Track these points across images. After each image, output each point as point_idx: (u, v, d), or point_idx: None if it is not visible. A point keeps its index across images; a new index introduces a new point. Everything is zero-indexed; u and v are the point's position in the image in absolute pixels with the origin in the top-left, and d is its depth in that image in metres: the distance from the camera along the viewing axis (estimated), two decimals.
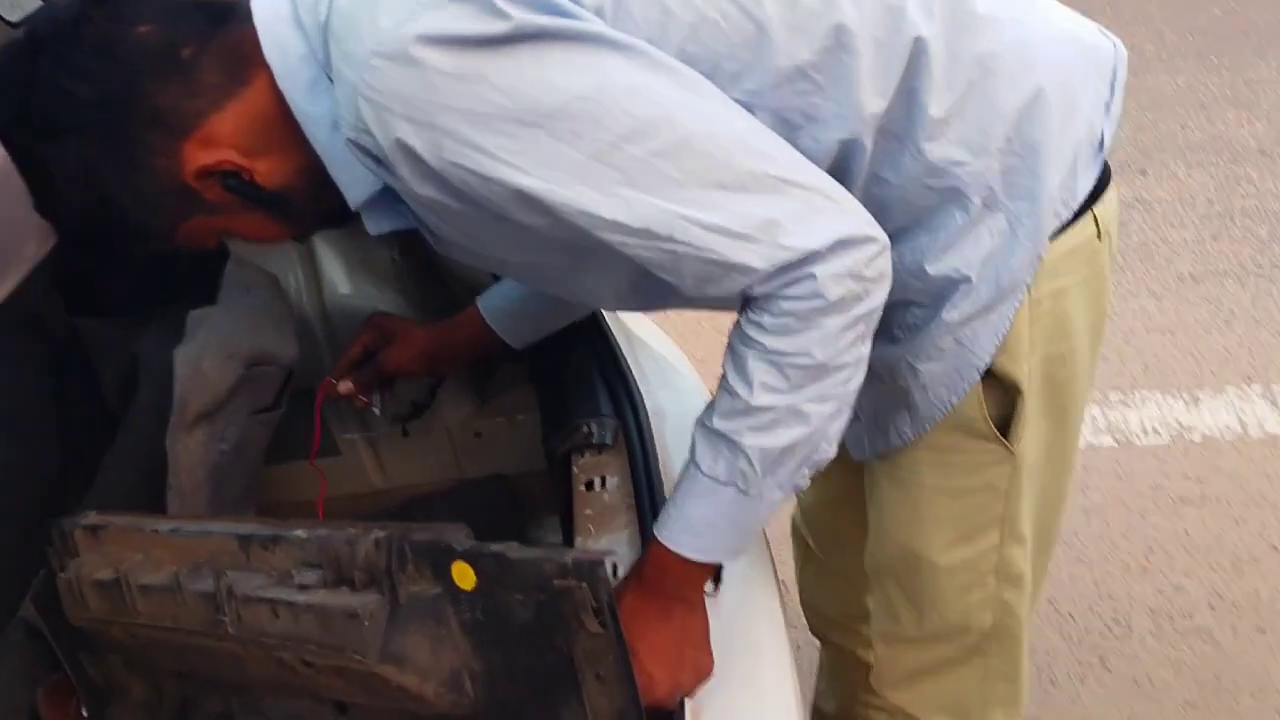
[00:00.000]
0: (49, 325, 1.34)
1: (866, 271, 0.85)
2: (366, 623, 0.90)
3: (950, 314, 1.00)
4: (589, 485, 1.24)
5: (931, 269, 0.99)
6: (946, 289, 1.00)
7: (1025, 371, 1.05)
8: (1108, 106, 1.03)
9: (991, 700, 1.25)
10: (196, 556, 1.07)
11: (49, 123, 0.93)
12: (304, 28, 0.92)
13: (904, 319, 1.03)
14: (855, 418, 1.13)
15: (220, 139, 0.94)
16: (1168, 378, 2.66)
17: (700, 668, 0.97)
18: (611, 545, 1.15)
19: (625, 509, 1.19)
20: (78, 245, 1.18)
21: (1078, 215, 1.02)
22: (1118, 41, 1.07)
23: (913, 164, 0.96)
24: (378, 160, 0.88)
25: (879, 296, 0.88)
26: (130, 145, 0.93)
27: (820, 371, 0.86)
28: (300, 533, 1.00)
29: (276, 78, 0.93)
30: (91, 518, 1.19)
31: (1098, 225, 1.05)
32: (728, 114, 0.87)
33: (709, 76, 0.89)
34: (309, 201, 0.99)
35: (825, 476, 1.41)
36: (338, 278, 1.47)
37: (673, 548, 0.94)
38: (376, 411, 1.34)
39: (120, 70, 0.91)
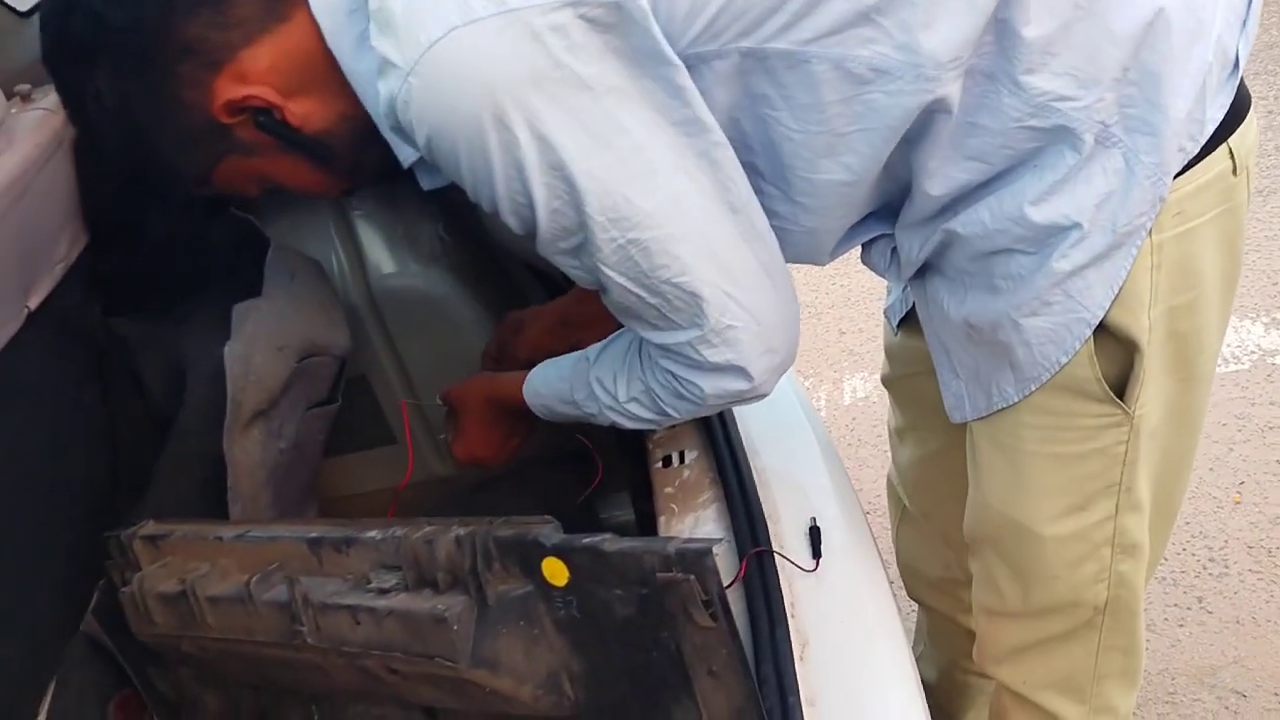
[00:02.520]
0: (88, 329, 1.29)
1: (744, 397, 0.95)
2: (455, 627, 0.84)
3: (1060, 263, 0.90)
4: (666, 461, 1.18)
5: (1035, 215, 0.90)
6: (1054, 236, 0.90)
7: (1145, 325, 0.94)
8: (1244, 22, 0.91)
9: (1106, 674, 1.15)
10: (265, 563, 1.01)
11: (83, 47, 0.91)
12: None
13: (1007, 268, 0.94)
14: (954, 376, 1.05)
15: (253, 75, 0.89)
16: (1243, 300, 2.53)
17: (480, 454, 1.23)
18: (698, 524, 1.08)
19: (709, 484, 1.12)
20: (117, 199, 1.17)
21: (1208, 148, 0.91)
22: None
23: (1012, 104, 0.87)
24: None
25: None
26: (160, 75, 0.89)
27: (675, 418, 1.00)
28: (374, 533, 0.94)
29: (324, 34, 0.88)
30: (150, 527, 1.14)
31: (1233, 158, 0.93)
32: (719, 214, 0.87)
33: (757, 26, 0.83)
34: (354, 151, 0.93)
35: (921, 431, 1.35)
36: (381, 257, 1.39)
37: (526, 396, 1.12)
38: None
39: None
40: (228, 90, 0.89)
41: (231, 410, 1.13)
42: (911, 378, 1.29)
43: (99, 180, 1.19)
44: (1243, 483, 2.10)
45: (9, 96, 1.16)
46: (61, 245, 1.20)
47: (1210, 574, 1.95)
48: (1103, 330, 0.94)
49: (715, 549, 0.77)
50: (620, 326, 1.01)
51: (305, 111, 0.91)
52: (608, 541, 0.81)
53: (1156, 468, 1.04)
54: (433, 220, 1.38)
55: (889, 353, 1.32)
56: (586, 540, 0.82)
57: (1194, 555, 1.99)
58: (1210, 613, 1.88)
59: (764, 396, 0.97)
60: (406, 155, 0.92)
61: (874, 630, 0.97)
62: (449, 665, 0.86)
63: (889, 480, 1.47)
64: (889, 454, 1.47)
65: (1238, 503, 2.07)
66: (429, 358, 1.42)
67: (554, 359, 1.10)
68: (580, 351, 1.06)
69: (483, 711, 0.93)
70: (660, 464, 1.17)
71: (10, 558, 1.12)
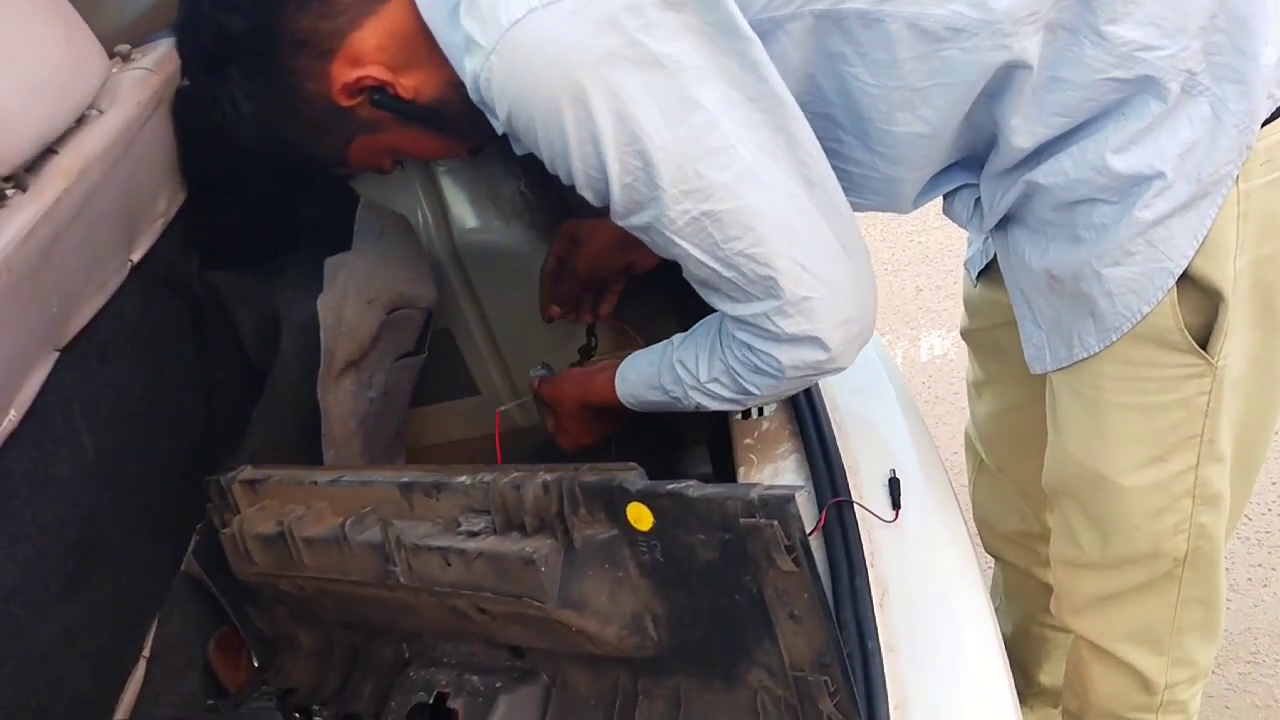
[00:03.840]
0: (186, 282, 1.33)
1: (823, 369, 0.95)
2: (543, 568, 0.87)
3: (1143, 213, 0.90)
4: (745, 414, 1.19)
5: (1119, 164, 0.89)
6: (1137, 185, 0.90)
7: (1230, 275, 0.93)
8: None
9: (1186, 626, 1.15)
10: (359, 506, 1.05)
11: (212, 59, 0.98)
12: None
13: (1090, 218, 0.93)
14: (1035, 326, 1.05)
15: (363, 56, 0.94)
16: None
17: (583, 442, 1.25)
18: (777, 475, 1.10)
19: (788, 436, 1.13)
20: (251, 185, 1.21)
21: None
22: None
23: (1095, 56, 0.86)
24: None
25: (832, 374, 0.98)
26: (282, 71, 0.95)
27: (756, 394, 0.99)
28: (464, 479, 0.97)
29: (421, 10, 0.92)
30: (248, 472, 1.19)
31: None
32: (794, 188, 0.88)
33: None
34: (466, 115, 0.95)
35: (1000, 384, 1.35)
36: (464, 213, 1.42)
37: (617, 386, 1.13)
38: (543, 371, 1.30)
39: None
40: (343, 74, 0.95)
41: (325, 360, 1.17)
42: (991, 330, 1.28)
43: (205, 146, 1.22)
44: None
45: (110, 57, 1.20)
46: (161, 201, 1.24)
47: None
48: (1186, 280, 0.93)
49: (797, 495, 0.78)
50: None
51: (415, 84, 0.95)
52: (692, 488, 0.83)
53: (1239, 420, 1.03)
54: (514, 177, 1.40)
55: (968, 305, 1.32)
56: (671, 486, 0.84)
57: (1278, 514, 1.95)
58: None
59: (843, 369, 0.97)
60: (497, 124, 0.94)
61: (953, 580, 0.97)
62: (536, 605, 0.88)
63: (966, 434, 1.47)
64: (966, 410, 1.47)
65: None
66: (510, 310, 1.45)
67: (641, 350, 1.11)
68: (666, 340, 1.08)
69: (568, 650, 0.96)
70: (740, 417, 1.18)
71: (119, 499, 1.18)
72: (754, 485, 0.82)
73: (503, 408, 1.41)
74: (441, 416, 1.53)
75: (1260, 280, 0.95)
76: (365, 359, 1.22)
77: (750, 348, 0.93)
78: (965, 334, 1.36)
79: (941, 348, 2.65)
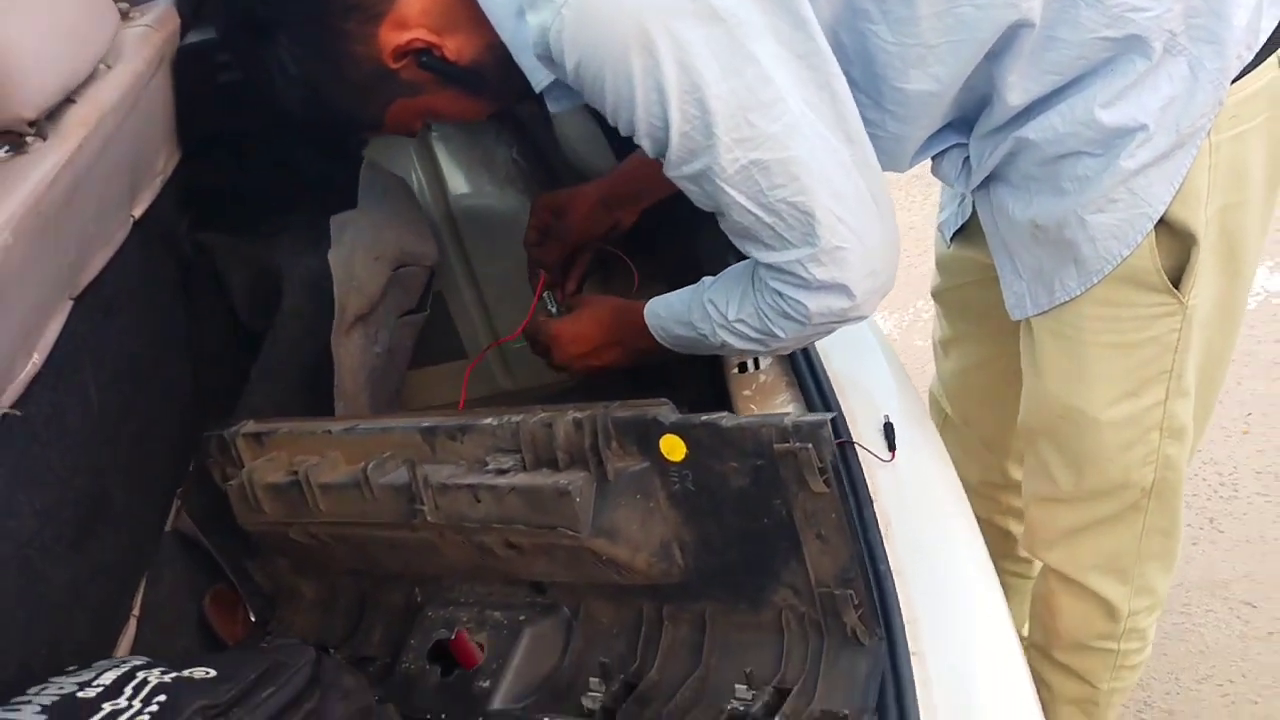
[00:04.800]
0: (178, 241, 1.34)
1: (847, 316, 0.99)
2: (578, 499, 0.91)
3: (1127, 162, 0.99)
4: (741, 367, 1.24)
5: (1106, 118, 0.98)
6: (1121, 138, 0.98)
7: (1201, 220, 1.03)
8: None
9: (1147, 555, 1.26)
10: (377, 453, 1.08)
11: (260, 23, 1.00)
12: None
13: (1074, 170, 1.02)
14: (1016, 276, 1.13)
15: (410, 20, 0.98)
16: None
17: (590, 367, 1.25)
18: None
19: (785, 386, 1.19)
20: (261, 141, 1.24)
21: (1260, 56, 0.99)
22: None
23: (1090, 16, 0.94)
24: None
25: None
26: (332, 35, 0.98)
27: (780, 339, 1.03)
28: (490, 420, 1.01)
29: None
30: (251, 425, 1.20)
31: None
32: (836, 142, 0.93)
33: None
34: (500, 77, 1.01)
35: (966, 342, 1.44)
36: (458, 179, 1.45)
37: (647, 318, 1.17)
38: (551, 309, 1.34)
39: None
40: (392, 38, 0.99)
41: (337, 313, 1.19)
42: (960, 288, 1.37)
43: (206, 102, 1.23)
44: (1250, 414, 2.20)
45: None
46: (161, 159, 1.25)
47: (1221, 497, 2.05)
48: (1162, 225, 1.03)
49: (830, 421, 0.84)
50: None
51: (458, 46, 1.00)
52: (725, 418, 0.88)
53: (1202, 357, 1.14)
54: (507, 144, 1.44)
55: (940, 265, 1.40)
56: (705, 417, 0.89)
57: (1205, 480, 2.08)
58: (1221, 532, 1.98)
59: (864, 318, 1.02)
60: (539, 80, 0.99)
61: (948, 512, 1.05)
62: (570, 535, 0.93)
63: (931, 393, 1.56)
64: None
65: (1246, 433, 2.16)
66: (501, 275, 1.48)
67: (673, 292, 1.15)
68: (700, 282, 1.12)
69: (591, 583, 1.01)
70: (736, 369, 1.23)
71: (119, 455, 1.18)
72: (786, 414, 0.87)
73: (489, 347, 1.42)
74: (429, 380, 1.55)
75: (1225, 227, 1.06)
76: (373, 314, 1.24)
77: (780, 294, 0.98)
78: (936, 294, 1.44)
79: (886, 327, 2.75)
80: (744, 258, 1.03)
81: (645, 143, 0.92)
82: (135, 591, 1.27)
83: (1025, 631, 1.46)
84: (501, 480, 0.97)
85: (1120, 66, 0.97)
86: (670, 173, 0.95)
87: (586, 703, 0.96)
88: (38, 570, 1.04)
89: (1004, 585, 1.65)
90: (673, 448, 0.91)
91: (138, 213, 1.20)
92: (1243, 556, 1.93)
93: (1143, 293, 1.07)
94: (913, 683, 0.85)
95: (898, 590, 0.93)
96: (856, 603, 0.88)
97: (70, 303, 1.07)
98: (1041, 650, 1.39)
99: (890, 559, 0.97)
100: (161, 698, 0.82)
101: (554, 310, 1.33)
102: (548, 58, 0.91)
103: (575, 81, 0.91)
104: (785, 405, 1.17)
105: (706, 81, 0.87)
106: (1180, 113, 0.97)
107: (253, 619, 1.32)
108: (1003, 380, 1.31)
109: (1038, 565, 1.46)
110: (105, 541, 1.17)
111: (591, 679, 0.97)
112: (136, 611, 1.27)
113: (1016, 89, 0.99)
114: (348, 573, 1.22)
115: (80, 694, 0.83)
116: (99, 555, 1.16)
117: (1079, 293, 1.08)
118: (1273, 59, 1.01)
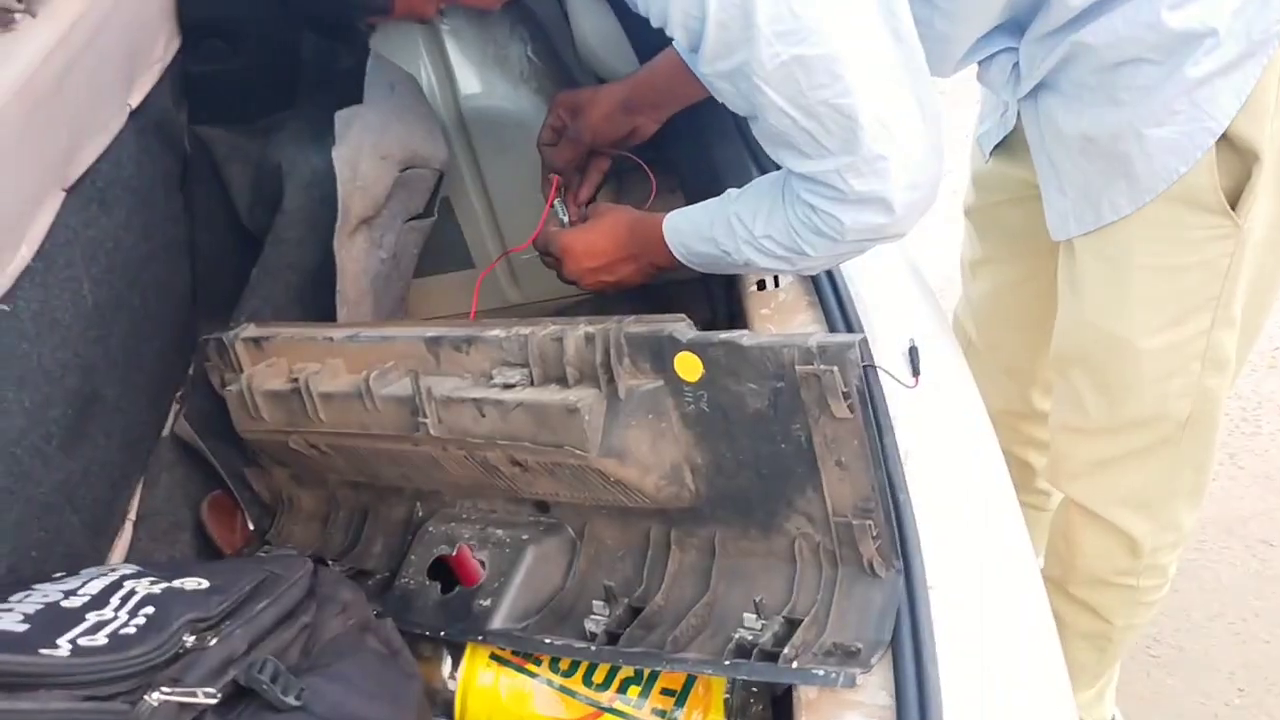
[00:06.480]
0: (176, 135, 1.28)
1: (884, 233, 0.92)
2: (587, 418, 0.87)
3: (1192, 70, 0.92)
4: (760, 285, 1.19)
5: (1173, 21, 0.90)
6: (1187, 44, 0.91)
7: (1266, 136, 0.96)
8: None
9: (1177, 491, 1.21)
10: (379, 362, 1.04)
11: None
12: None
13: (1133, 79, 0.95)
14: (1060, 194, 1.07)
15: None
16: None
17: (602, 282, 1.18)
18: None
19: (805, 306, 1.13)
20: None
21: None
22: None
23: None
24: None
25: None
26: None
27: (810, 256, 0.97)
28: (497, 332, 0.96)
29: None
30: (251, 329, 1.16)
31: None
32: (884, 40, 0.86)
33: None
34: None
35: (997, 263, 1.37)
36: (469, 77, 1.38)
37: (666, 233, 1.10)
38: (563, 218, 1.27)
39: None
40: None
41: (341, 214, 1.14)
42: (996, 206, 1.31)
43: None
44: (1278, 347, 2.14)
45: None
46: (159, 45, 1.19)
47: (1243, 432, 2.01)
48: (1223, 141, 0.96)
49: (858, 343, 0.79)
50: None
51: None
52: (746, 336, 0.83)
53: (1251, 285, 1.08)
54: (521, 42, 1.36)
55: (977, 181, 1.33)
56: (724, 335, 0.84)
57: (1227, 414, 2.01)
58: (1241, 468, 1.94)
59: (902, 235, 0.95)
60: None
61: (973, 440, 1.01)
62: (578, 455, 0.89)
63: (955, 316, 1.50)
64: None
65: (1273, 366, 2.11)
66: (512, 182, 1.42)
67: (695, 205, 1.08)
68: (724, 194, 1.06)
69: (597, 503, 0.97)
70: (755, 288, 1.18)
71: (112, 353, 1.14)
72: (810, 334, 0.82)
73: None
74: (434, 289, 1.50)
75: None
76: (378, 217, 1.19)
77: (814, 208, 0.92)
78: (969, 211, 1.37)
79: None
80: (768, 171, 0.97)
81: (678, 34, 0.85)
82: (131, 495, 1.25)
83: (1040, 564, 1.43)
84: (508, 395, 0.92)
85: None
86: (703, 69, 0.87)
87: (589, 625, 0.93)
88: (26, 470, 1.01)
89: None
90: (688, 367, 0.86)
91: (134, 101, 1.15)
92: (1262, 493, 1.89)
93: (1197, 213, 1.00)
94: (930, 617, 0.82)
95: (916, 522, 0.89)
96: (875, 534, 0.84)
97: (62, 194, 1.02)
98: (1057, 584, 1.36)
99: (909, 489, 0.93)
100: (149, 609, 0.79)
101: (566, 220, 1.26)
102: None
103: None
104: (806, 325, 1.12)
105: None
106: (1254, 17, 0.90)
107: (250, 528, 1.30)
108: (1035, 304, 1.25)
109: (1056, 497, 1.42)
110: (97, 442, 1.14)
111: (595, 602, 0.94)
112: (132, 516, 1.25)
113: None
114: (348, 484, 1.19)
115: (65, 603, 0.79)
116: (91, 456, 1.13)
117: (1129, 212, 1.01)
118: None
